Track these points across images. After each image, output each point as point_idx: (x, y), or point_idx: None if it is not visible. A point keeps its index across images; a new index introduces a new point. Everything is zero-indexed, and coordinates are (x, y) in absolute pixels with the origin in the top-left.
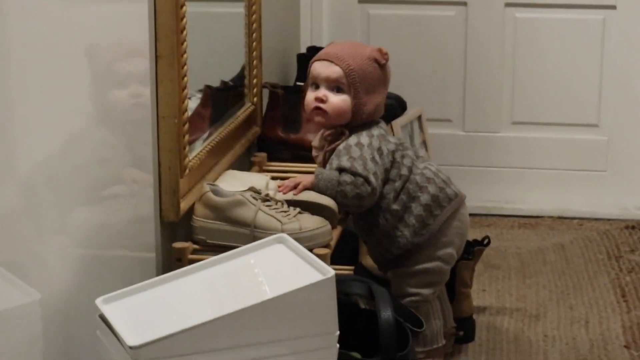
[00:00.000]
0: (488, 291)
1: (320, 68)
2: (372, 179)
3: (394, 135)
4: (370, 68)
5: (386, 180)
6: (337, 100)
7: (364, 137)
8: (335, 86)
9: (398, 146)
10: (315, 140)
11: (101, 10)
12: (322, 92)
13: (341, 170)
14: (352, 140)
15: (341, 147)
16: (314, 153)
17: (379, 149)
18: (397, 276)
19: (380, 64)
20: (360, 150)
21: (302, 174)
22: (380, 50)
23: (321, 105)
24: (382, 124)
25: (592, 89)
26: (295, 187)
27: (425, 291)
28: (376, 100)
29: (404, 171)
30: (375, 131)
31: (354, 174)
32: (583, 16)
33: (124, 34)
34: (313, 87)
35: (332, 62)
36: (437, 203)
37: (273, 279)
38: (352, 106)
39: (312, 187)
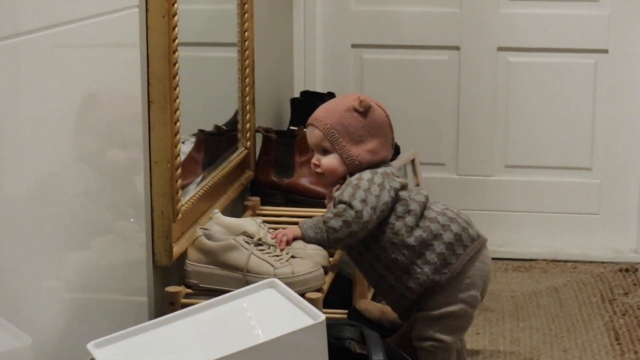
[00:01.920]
0: (482, 334)
1: (307, 134)
2: (356, 204)
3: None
4: (350, 120)
5: (394, 218)
6: (326, 162)
7: (366, 173)
8: (321, 148)
9: (405, 186)
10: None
11: (93, 55)
12: (315, 157)
13: (335, 204)
14: (355, 175)
15: (344, 183)
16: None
17: (381, 184)
18: (421, 320)
19: (361, 112)
20: (357, 181)
21: (295, 217)
22: (358, 98)
23: (317, 170)
24: (392, 167)
25: (584, 132)
26: (287, 242)
27: (448, 338)
28: (369, 147)
29: (414, 206)
30: (381, 169)
31: (339, 202)
32: (575, 60)
33: (116, 80)
34: (312, 152)
35: (313, 125)
36: (460, 242)
37: (264, 323)
38: (344, 161)
39: (303, 238)
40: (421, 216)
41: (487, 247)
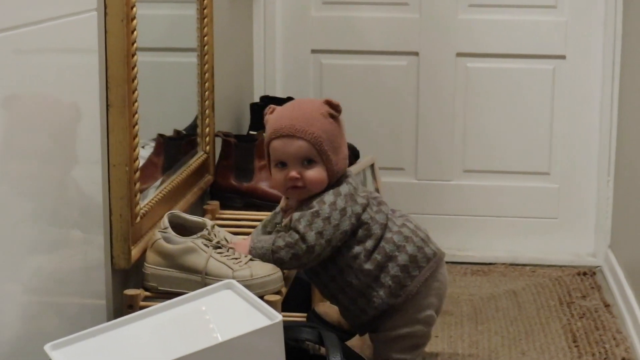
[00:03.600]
0: (440, 337)
1: (283, 146)
2: (310, 237)
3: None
4: (330, 126)
5: (354, 242)
6: (313, 174)
7: (328, 195)
8: (306, 159)
9: (367, 206)
10: (282, 202)
11: (51, 58)
12: (293, 171)
13: (289, 227)
14: (316, 198)
15: (304, 205)
16: (281, 208)
17: (343, 210)
18: (379, 341)
19: (335, 117)
20: (318, 207)
21: (254, 221)
22: (330, 103)
23: (298, 184)
24: (351, 178)
25: (542, 137)
26: None
27: (409, 356)
28: (343, 154)
29: (376, 229)
30: (344, 189)
31: (293, 228)
32: (533, 66)
33: (74, 83)
34: (279, 166)
35: (293, 136)
36: (415, 263)
37: (222, 324)
38: (327, 172)
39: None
40: (380, 238)
41: (444, 264)
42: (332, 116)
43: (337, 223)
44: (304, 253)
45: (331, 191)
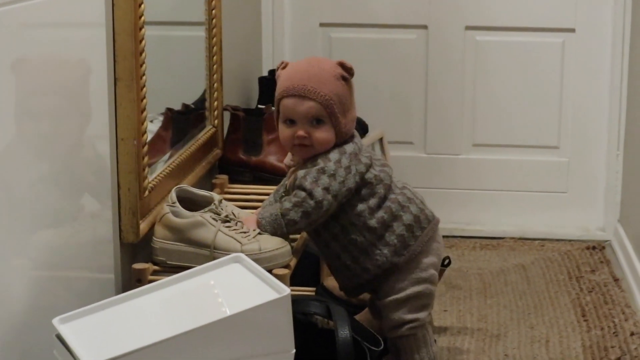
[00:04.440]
0: (449, 312)
1: (293, 105)
2: (317, 192)
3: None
4: (341, 89)
5: (358, 200)
6: (321, 134)
7: (334, 153)
8: (315, 119)
9: (370, 166)
10: (287, 159)
11: (59, 32)
12: (301, 130)
13: (294, 187)
14: (321, 155)
15: (309, 163)
16: (286, 165)
17: (348, 167)
18: (389, 307)
19: (346, 80)
20: (323, 164)
21: (263, 195)
22: (343, 65)
23: (305, 142)
24: (357, 138)
25: (552, 111)
26: None
27: (422, 315)
28: (352, 116)
29: (379, 189)
30: (349, 148)
31: (299, 187)
32: (543, 39)
33: (82, 57)
34: (287, 123)
35: (305, 96)
36: (419, 223)
37: (230, 297)
38: (336, 132)
39: (261, 230)
40: (385, 198)
41: (438, 228)
42: (344, 78)
43: (343, 180)
44: (313, 209)
45: (336, 149)
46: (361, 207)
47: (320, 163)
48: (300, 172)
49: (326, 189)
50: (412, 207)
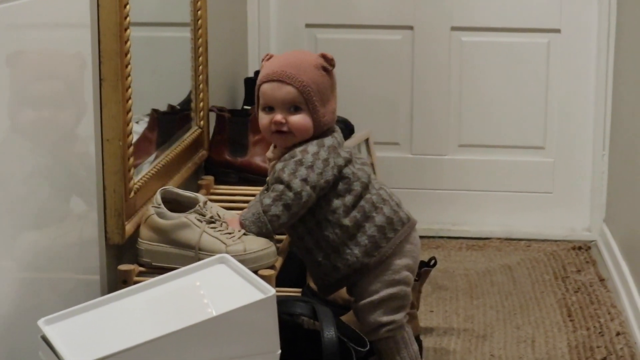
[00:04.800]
0: (436, 312)
1: (272, 90)
2: (295, 184)
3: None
4: (321, 78)
5: (334, 195)
6: (298, 119)
7: (312, 145)
8: (292, 106)
9: (349, 161)
10: (269, 152)
11: (44, 32)
12: (278, 115)
13: (273, 180)
14: (299, 147)
15: (287, 155)
16: (268, 159)
17: (326, 160)
18: (364, 310)
19: (328, 70)
20: (301, 156)
21: (249, 196)
22: (325, 56)
23: (282, 128)
24: (337, 133)
25: (537, 111)
26: None
27: (398, 316)
28: (331, 107)
29: (356, 186)
30: (328, 141)
31: (277, 180)
32: (528, 40)
33: (67, 57)
34: (266, 110)
35: (283, 82)
36: (391, 226)
37: (215, 298)
38: (313, 121)
39: (246, 231)
40: (360, 197)
41: (416, 230)
42: (324, 69)
43: (321, 172)
44: (292, 201)
45: (315, 142)
46: (337, 203)
47: (298, 155)
48: (279, 165)
49: (304, 180)
50: (386, 209)
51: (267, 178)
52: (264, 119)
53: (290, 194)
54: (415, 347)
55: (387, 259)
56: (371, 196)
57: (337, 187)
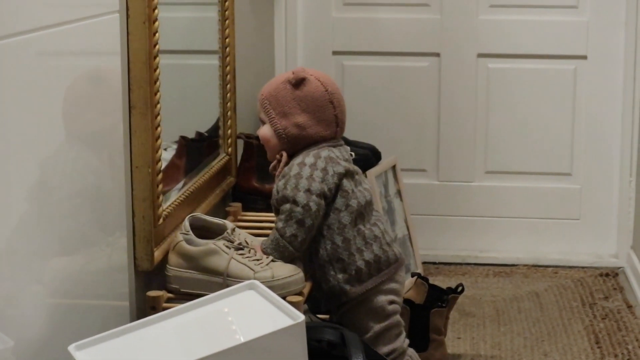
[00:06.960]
0: (463, 339)
1: None
2: (300, 197)
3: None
4: (282, 91)
5: (332, 209)
6: (261, 131)
7: (309, 157)
8: (260, 119)
9: (349, 172)
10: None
11: (74, 60)
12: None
13: (279, 201)
14: (296, 160)
15: (286, 169)
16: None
17: (324, 169)
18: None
19: (292, 83)
20: (299, 169)
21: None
22: (294, 72)
23: (261, 141)
24: (337, 149)
25: (564, 137)
26: None
27: (397, 344)
28: (297, 120)
29: (353, 202)
30: (324, 152)
31: (283, 199)
32: (555, 66)
33: (97, 84)
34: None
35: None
36: (378, 264)
37: (244, 324)
38: (274, 132)
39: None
40: (355, 220)
41: (403, 268)
42: (290, 83)
43: (322, 179)
44: (302, 215)
45: (311, 153)
46: (333, 218)
47: (296, 169)
48: (280, 184)
49: (308, 191)
50: (375, 247)
51: (271, 201)
52: None
53: (299, 209)
54: None
55: (370, 295)
56: (364, 230)
57: (336, 200)
